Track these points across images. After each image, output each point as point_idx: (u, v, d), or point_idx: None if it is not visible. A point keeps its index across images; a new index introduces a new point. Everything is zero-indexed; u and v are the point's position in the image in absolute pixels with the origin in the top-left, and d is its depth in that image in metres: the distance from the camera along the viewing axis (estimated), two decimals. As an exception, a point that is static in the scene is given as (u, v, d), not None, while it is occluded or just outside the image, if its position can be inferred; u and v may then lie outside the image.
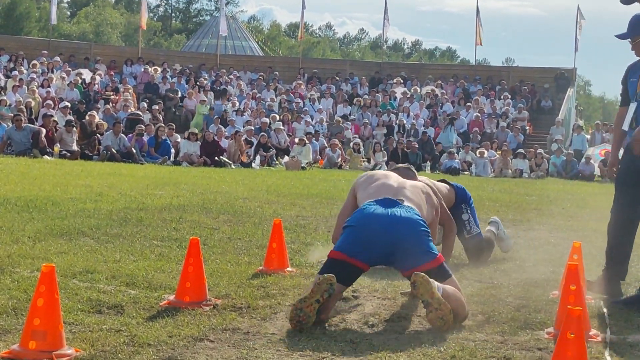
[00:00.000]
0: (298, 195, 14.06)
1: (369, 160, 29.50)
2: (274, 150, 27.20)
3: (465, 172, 28.15)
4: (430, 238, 5.39)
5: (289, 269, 6.88)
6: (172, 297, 5.53)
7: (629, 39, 6.54)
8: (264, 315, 5.29)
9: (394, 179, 5.91)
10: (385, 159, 28.10)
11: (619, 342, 4.93)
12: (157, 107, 31.45)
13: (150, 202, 11.60)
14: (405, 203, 5.48)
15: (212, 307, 5.43)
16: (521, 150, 29.70)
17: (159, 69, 37.16)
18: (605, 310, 5.72)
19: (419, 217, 5.41)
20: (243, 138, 25.48)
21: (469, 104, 36.37)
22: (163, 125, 25.83)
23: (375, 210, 5.38)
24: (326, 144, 30.27)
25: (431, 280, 4.94)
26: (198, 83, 36.40)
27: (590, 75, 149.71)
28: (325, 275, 4.93)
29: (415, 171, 6.77)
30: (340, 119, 34.41)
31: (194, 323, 5.00)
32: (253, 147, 26.61)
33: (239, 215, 10.69)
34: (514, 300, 6.02)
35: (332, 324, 5.18)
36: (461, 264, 7.81)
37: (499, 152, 29.50)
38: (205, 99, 33.73)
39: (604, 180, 27.21)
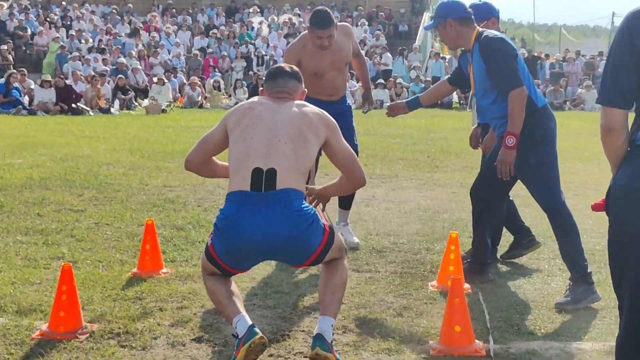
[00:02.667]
0: (163, 155, 13.74)
1: (229, 97, 29.18)
2: (133, 93, 26.58)
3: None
4: (314, 225, 4.70)
5: (164, 270, 6.67)
6: (44, 327, 5.26)
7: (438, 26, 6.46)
8: (144, 344, 5.09)
9: (268, 123, 4.86)
10: (247, 95, 27.83)
11: (502, 352, 4.96)
12: (6, 46, 30.22)
13: (8, 176, 11.12)
14: (279, 178, 4.66)
15: (88, 335, 5.19)
16: (381, 80, 29.87)
17: (5, 5, 35.61)
18: (487, 316, 5.70)
19: (298, 210, 4.64)
20: (99, 83, 24.73)
21: (327, 32, 36.20)
22: (15, 71, 24.80)
23: (244, 219, 4.62)
24: (185, 81, 29.80)
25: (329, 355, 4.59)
26: (48, 19, 35.06)
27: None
28: (256, 338, 4.44)
29: (298, 74, 5.24)
30: (198, 52, 33.88)
31: (70, 361, 4.78)
32: (111, 91, 25.90)
33: (104, 189, 10.36)
34: (395, 301, 5.98)
35: (217, 349, 5.06)
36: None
37: (359, 83, 29.54)
38: (58, 35, 32.54)
39: (462, 107, 27.75)
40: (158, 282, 6.39)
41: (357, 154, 7.45)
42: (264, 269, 6.79)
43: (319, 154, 5.84)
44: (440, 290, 6.17)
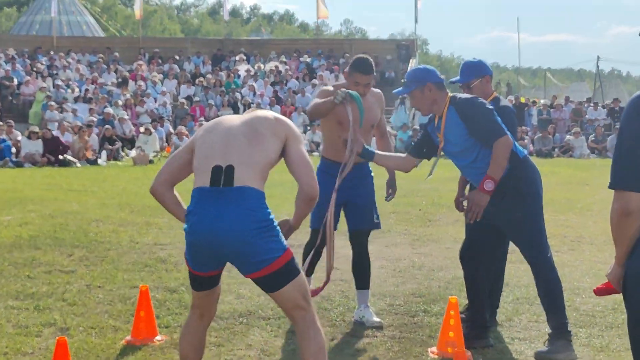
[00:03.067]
0: (152, 210, 13.58)
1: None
2: (120, 143, 26.49)
3: (315, 153, 28.08)
4: (268, 233, 4.56)
5: (158, 337, 6.54)
6: (39, 404, 5.13)
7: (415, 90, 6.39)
8: (141, 421, 4.98)
9: (226, 126, 4.89)
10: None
11: None
12: (-8, 97, 30.19)
13: (-3, 234, 10.99)
14: (236, 175, 4.59)
15: (83, 412, 5.07)
16: (368, 128, 29.86)
17: (-8, 55, 35.68)
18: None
19: (251, 209, 4.54)
20: (86, 134, 24.60)
21: (314, 80, 36.33)
22: (2, 123, 24.71)
23: (199, 214, 4.59)
24: (172, 130, 29.77)
25: None
26: (35, 69, 35.05)
27: (426, 33, 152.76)
28: None
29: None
30: (184, 100, 33.87)
31: None
32: (98, 141, 25.80)
33: (94, 247, 10.22)
34: (397, 371, 5.89)
35: None
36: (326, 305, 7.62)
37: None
38: (45, 85, 32.50)
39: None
40: (153, 351, 6.26)
41: (376, 228, 7.31)
42: (259, 334, 6.69)
43: None
44: (441, 358, 6.07)
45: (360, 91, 6.87)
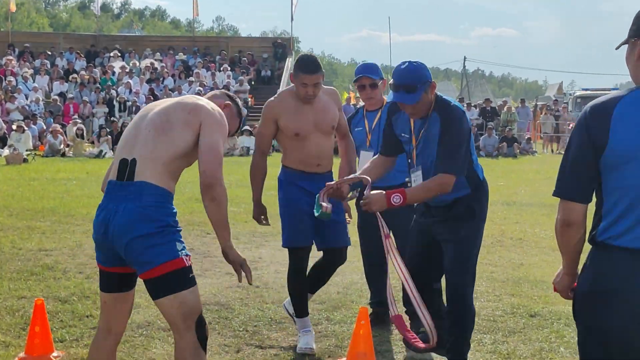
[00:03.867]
0: (33, 213, 13.10)
1: (92, 144, 28.44)
2: (-9, 141, 25.61)
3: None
4: (158, 235, 4.32)
5: (55, 354, 6.23)
6: None
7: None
8: None
9: (143, 115, 4.65)
10: (111, 145, 27.06)
11: None
12: None
13: None
14: (137, 170, 4.40)
15: None
16: (247, 127, 29.64)
17: None
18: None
19: (145, 207, 4.32)
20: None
21: (191, 78, 35.90)
22: None
23: (102, 208, 4.45)
24: (45, 127, 28.94)
25: None
26: None
27: (297, 31, 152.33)
28: None
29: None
30: (57, 97, 33.00)
31: None
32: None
33: (-26, 254, 9.76)
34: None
35: None
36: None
37: (225, 129, 29.26)
38: None
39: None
40: (50, 369, 5.96)
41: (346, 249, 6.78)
42: (161, 346, 6.45)
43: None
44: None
45: (310, 92, 6.38)
